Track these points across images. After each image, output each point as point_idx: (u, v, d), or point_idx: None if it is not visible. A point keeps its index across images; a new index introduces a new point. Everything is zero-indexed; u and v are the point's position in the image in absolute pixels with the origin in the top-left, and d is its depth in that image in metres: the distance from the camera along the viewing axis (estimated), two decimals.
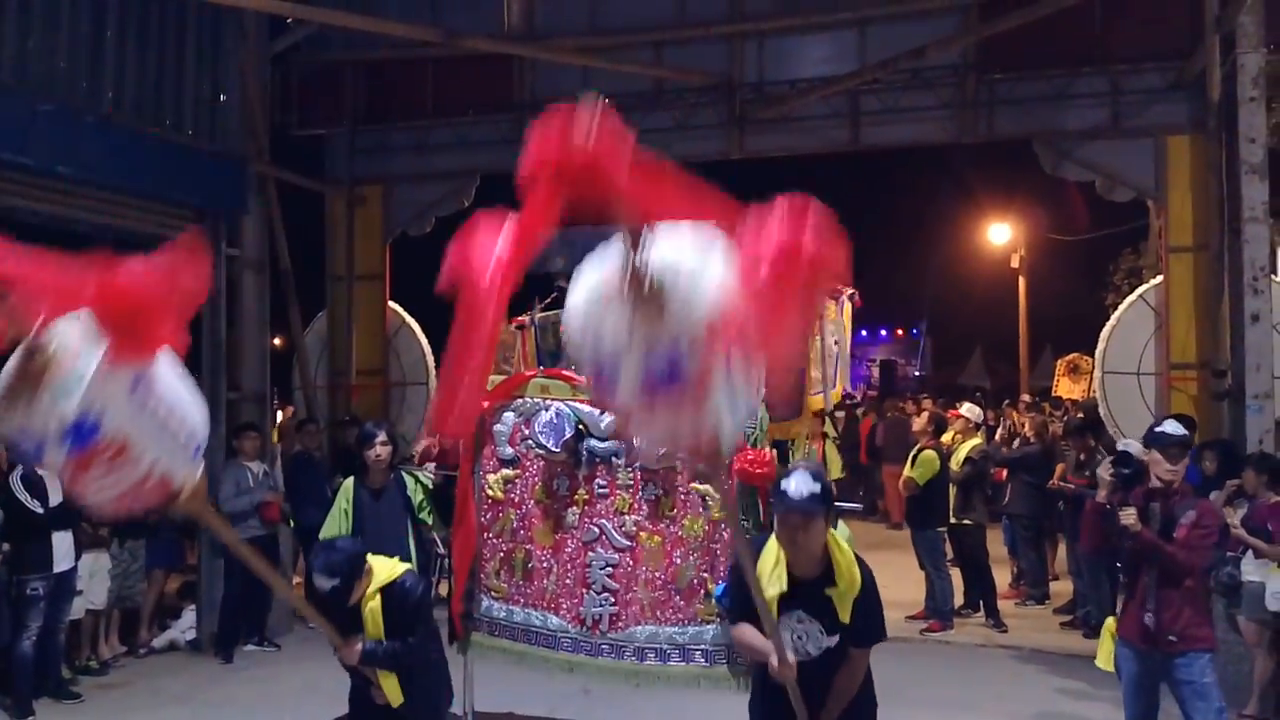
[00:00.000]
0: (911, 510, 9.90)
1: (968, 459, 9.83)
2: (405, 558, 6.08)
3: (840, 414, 16.80)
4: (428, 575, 6.48)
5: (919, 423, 10.41)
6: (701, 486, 5.30)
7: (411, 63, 11.34)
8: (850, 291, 10.82)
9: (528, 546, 5.70)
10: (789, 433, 9.32)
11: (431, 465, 6.54)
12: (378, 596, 4.43)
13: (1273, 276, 8.74)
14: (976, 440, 10.24)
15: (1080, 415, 12.46)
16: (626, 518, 5.45)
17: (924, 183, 26.91)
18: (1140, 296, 10.05)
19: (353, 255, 11.66)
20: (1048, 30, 9.28)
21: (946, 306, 31.64)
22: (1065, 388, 18.89)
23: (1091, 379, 17.31)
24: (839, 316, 10.69)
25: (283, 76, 11.41)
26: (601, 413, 5.41)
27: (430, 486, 6.38)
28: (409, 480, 6.38)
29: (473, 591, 5.86)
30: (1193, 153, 9.36)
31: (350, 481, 6.40)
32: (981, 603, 9.93)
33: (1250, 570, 7.01)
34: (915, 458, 9.65)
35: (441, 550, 7.57)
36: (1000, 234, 24.20)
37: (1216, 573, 7.31)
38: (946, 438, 10.15)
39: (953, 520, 9.80)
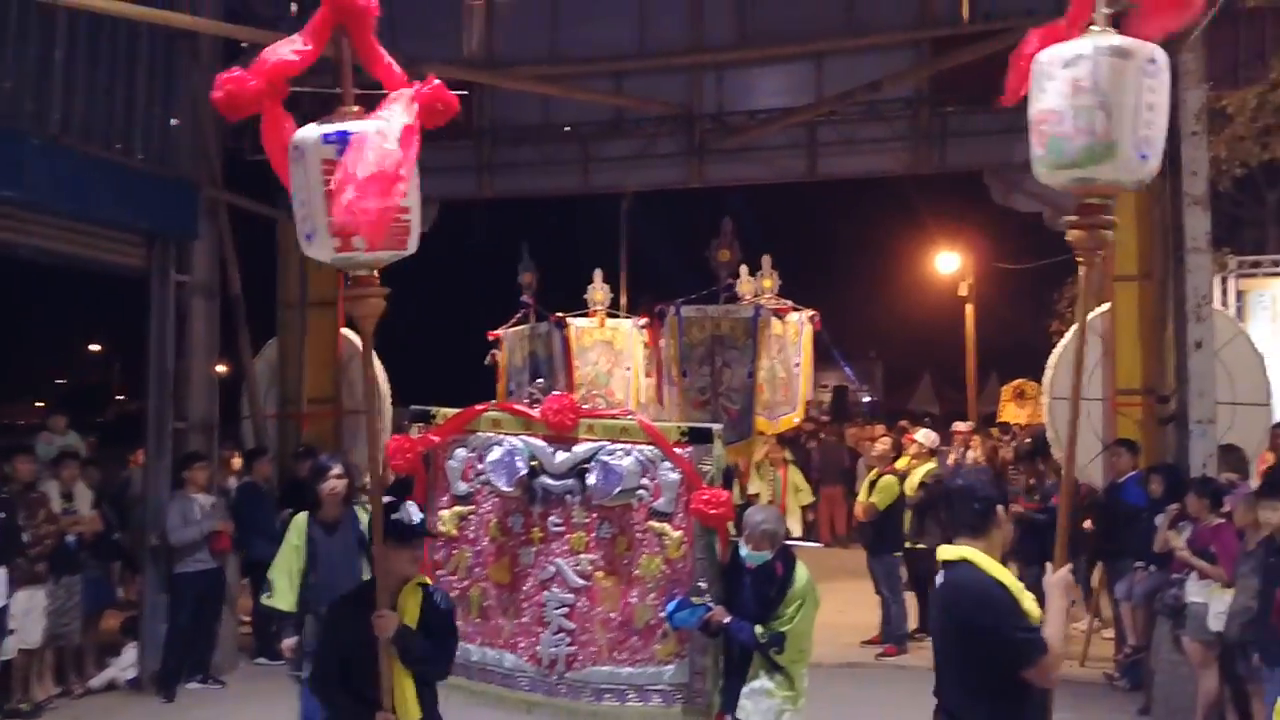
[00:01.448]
0: (869, 535, 9.96)
1: (922, 483, 9.92)
2: None
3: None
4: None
5: (879, 448, 10.49)
6: (658, 525, 5.20)
7: (368, 89, 11.26)
8: (810, 313, 10.97)
9: (483, 584, 5.53)
10: (738, 455, 9.42)
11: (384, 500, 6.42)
12: (420, 591, 4.38)
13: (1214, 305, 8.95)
14: (931, 465, 10.33)
15: (1029, 441, 12.65)
16: (582, 556, 5.32)
17: (876, 212, 27.29)
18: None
19: (305, 282, 11.51)
20: (998, 65, 9.37)
21: (897, 333, 32.03)
22: (1011, 413, 19.17)
23: (1037, 405, 17.62)
24: (799, 338, 10.82)
25: None
26: (554, 449, 5.33)
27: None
28: (362, 515, 6.14)
29: None
30: None
31: (302, 517, 6.17)
32: None
33: (1194, 592, 7.12)
34: (874, 483, 9.73)
35: None
36: (948, 263, 24.57)
37: (1161, 595, 7.45)
38: (901, 463, 10.24)
39: (908, 545, 9.88)
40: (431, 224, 11.30)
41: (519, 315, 9.94)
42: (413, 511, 4.40)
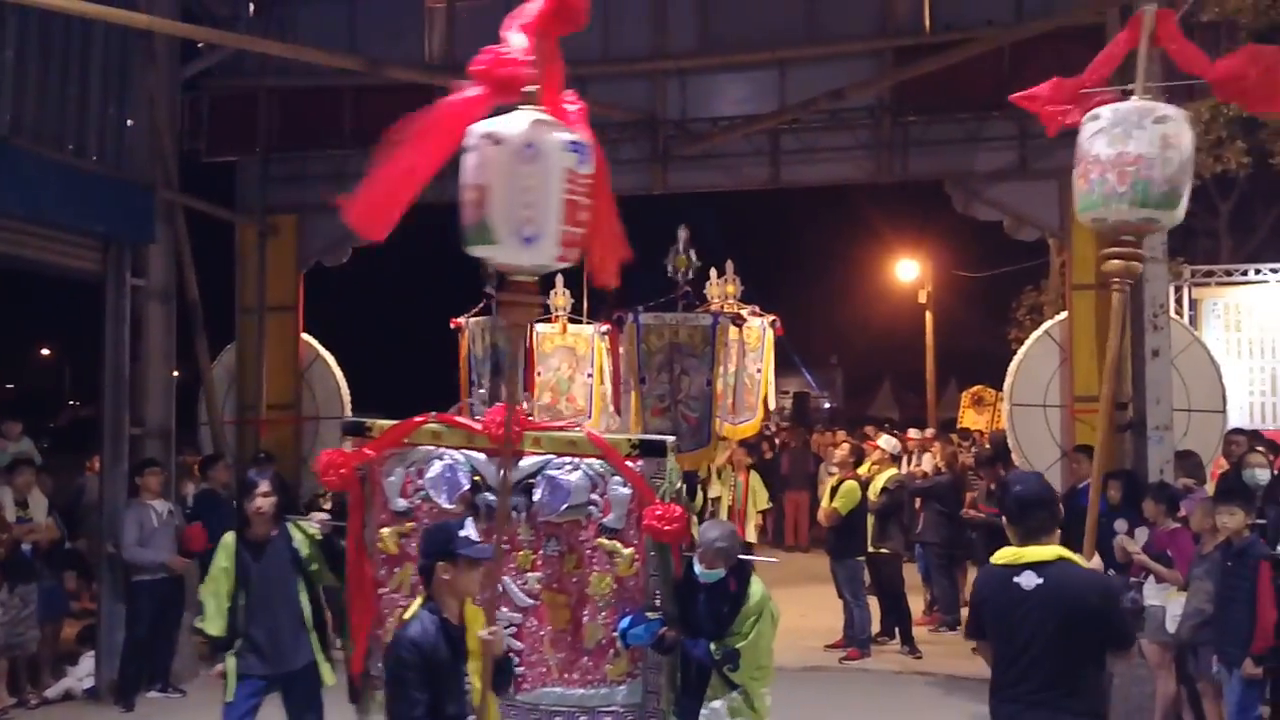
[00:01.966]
0: (832, 540, 10.00)
1: (884, 489, 9.99)
2: (297, 617, 5.77)
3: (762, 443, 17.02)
4: (325, 634, 5.94)
5: (839, 454, 10.54)
6: (608, 542, 5.01)
7: (328, 90, 11.18)
8: (771, 318, 11.00)
9: None
10: (698, 463, 9.42)
11: (322, 515, 6.04)
12: (480, 609, 4.34)
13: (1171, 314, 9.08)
14: (892, 470, 10.40)
15: (989, 446, 12.76)
16: (529, 575, 5.11)
17: (837, 220, 27.50)
18: (1045, 332, 10.37)
19: (264, 286, 11.38)
20: (959, 76, 9.55)
21: (857, 339, 32.25)
22: (970, 419, 19.38)
23: (995, 410, 17.82)
24: (760, 344, 10.85)
25: (193, 102, 11.15)
26: (499, 463, 4.92)
27: (319, 538, 5.88)
28: (295, 532, 5.86)
29: (373, 650, 5.37)
30: None
31: (231, 537, 5.82)
32: (897, 630, 10.07)
33: (1152, 595, 7.22)
34: (836, 489, 9.76)
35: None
36: (909, 270, 24.80)
37: (1120, 599, 7.53)
38: (863, 469, 10.29)
39: (871, 549, 9.93)
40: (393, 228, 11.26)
41: (482, 305, 9.78)
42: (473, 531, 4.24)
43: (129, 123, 9.46)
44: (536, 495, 4.99)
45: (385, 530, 5.29)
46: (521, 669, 5.09)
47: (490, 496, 5.05)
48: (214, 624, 5.73)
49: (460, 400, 9.13)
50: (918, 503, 11.32)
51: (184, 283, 10.09)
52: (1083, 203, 4.59)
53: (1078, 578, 4.06)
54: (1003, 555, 4.22)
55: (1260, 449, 8.46)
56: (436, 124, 3.95)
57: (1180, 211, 4.46)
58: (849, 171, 10.72)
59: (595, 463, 5.00)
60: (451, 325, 9.69)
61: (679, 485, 5.06)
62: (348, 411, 11.53)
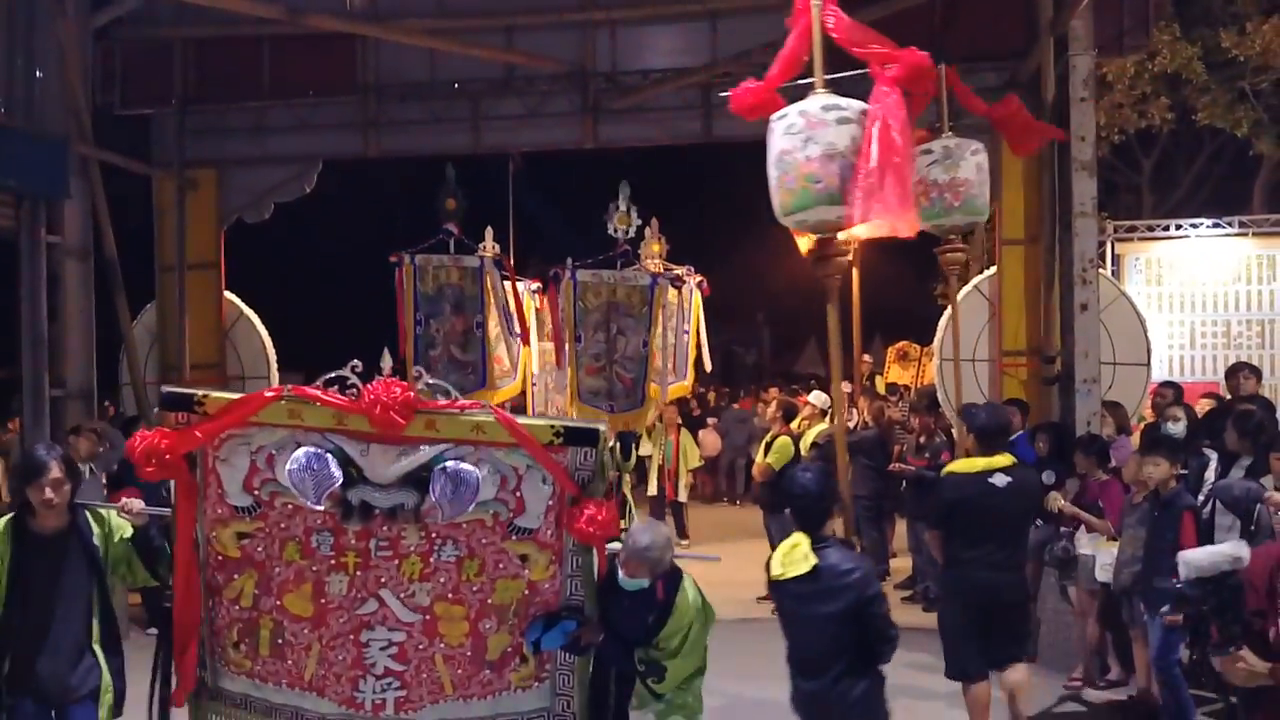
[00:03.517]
0: (766, 494, 10.08)
1: (814, 444, 10.08)
2: (84, 630, 4.58)
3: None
4: (118, 651, 4.73)
5: (769, 411, 10.59)
6: (519, 545, 4.20)
7: (246, 40, 10.82)
8: (698, 279, 10.96)
9: (276, 617, 4.32)
10: (631, 424, 9.40)
11: (138, 504, 4.50)
12: None
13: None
14: (823, 425, 10.50)
15: (919, 399, 12.93)
16: (417, 586, 4.22)
17: (758, 176, 27.45)
18: (975, 287, 10.49)
19: (184, 243, 11.04)
20: (889, 29, 9.39)
21: (783, 296, 32.41)
22: (896, 374, 19.63)
23: (920, 365, 18.06)
24: (688, 305, 10.80)
25: (105, 52, 10.72)
26: (381, 451, 4.10)
27: (128, 535, 4.56)
28: (94, 524, 4.60)
29: (204, 659, 4.48)
30: None
31: (5, 522, 4.50)
32: None
33: (1083, 544, 7.42)
34: (770, 444, 9.82)
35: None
36: None
37: (1051, 547, 7.72)
38: (795, 424, 10.37)
39: None
40: (313, 183, 11.02)
41: (433, 241, 9.41)
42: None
43: (38, 74, 9.10)
44: (432, 493, 4.08)
45: (222, 529, 4.30)
46: (404, 691, 4.29)
47: (369, 492, 4.14)
48: None
49: (403, 349, 8.87)
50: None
51: (101, 240, 9.78)
52: (925, 215, 6.57)
53: (1029, 478, 6.32)
54: (974, 464, 6.01)
55: (1177, 404, 8.66)
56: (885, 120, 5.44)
57: (986, 213, 7.33)
58: None
59: (506, 453, 4.11)
60: (391, 259, 9.31)
61: (611, 476, 4.58)
62: (274, 371, 11.30)
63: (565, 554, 4.20)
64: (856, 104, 5.79)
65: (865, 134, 5.60)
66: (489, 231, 10.39)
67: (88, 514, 4.61)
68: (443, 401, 4.12)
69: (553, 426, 4.12)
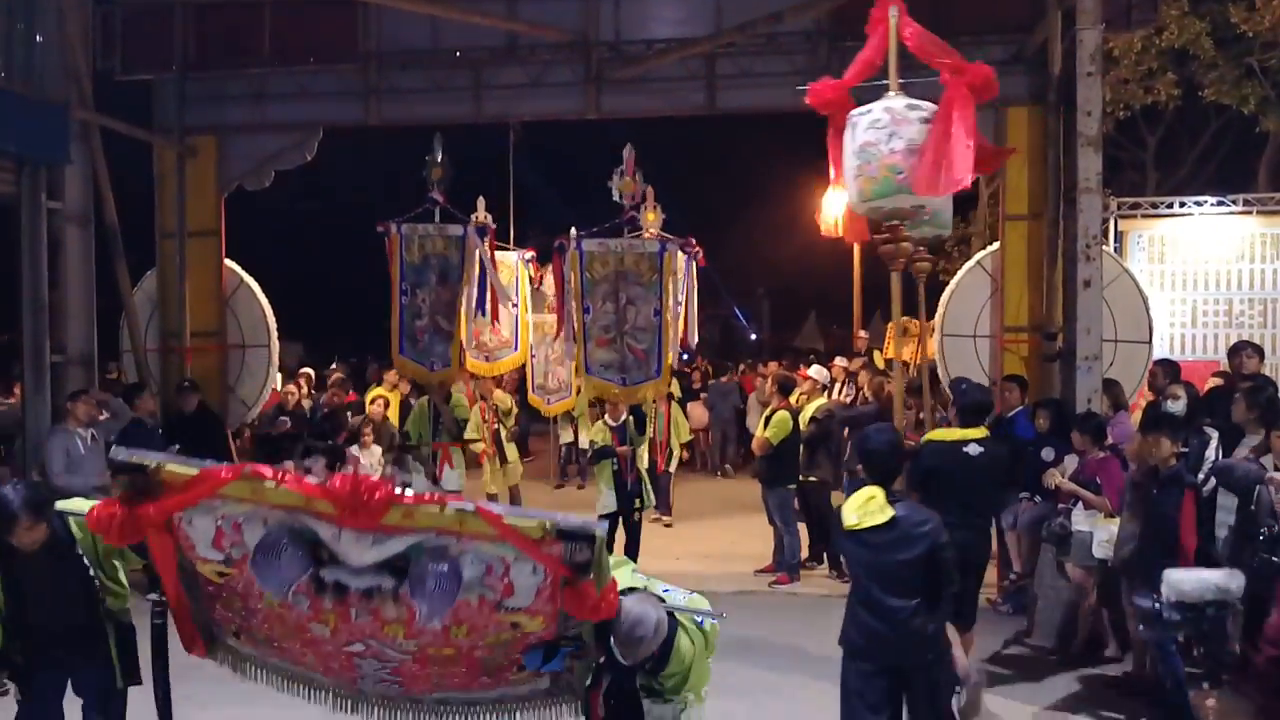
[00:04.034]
0: (764, 468, 10.09)
1: (813, 418, 10.08)
2: (90, 607, 4.77)
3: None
4: (127, 618, 4.92)
5: (766, 386, 10.59)
6: (512, 615, 3.85)
7: (247, 6, 10.77)
8: (695, 250, 10.91)
9: (268, 632, 4.20)
10: (645, 396, 9.37)
11: None
12: None
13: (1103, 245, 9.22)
14: (821, 400, 10.50)
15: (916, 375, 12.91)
16: (401, 640, 3.97)
17: (765, 149, 27.34)
18: (978, 263, 10.47)
19: (184, 210, 11.00)
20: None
21: (785, 270, 32.35)
22: (894, 349, 19.57)
23: (920, 341, 18.05)
24: (686, 275, 10.76)
25: (106, 17, 10.66)
26: (352, 536, 3.69)
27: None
28: (76, 529, 4.64)
29: (207, 623, 4.35)
30: (1031, 124, 9.78)
31: None
32: (825, 555, 10.25)
33: (1080, 521, 7.43)
34: (769, 419, 9.83)
35: None
36: (837, 201, 24.76)
37: (1049, 524, 7.74)
38: (794, 398, 10.37)
39: (801, 477, 10.04)
40: (314, 150, 10.97)
41: (420, 210, 9.34)
42: None
43: (38, 38, 9.06)
44: (409, 583, 3.68)
45: (202, 566, 4.00)
46: (403, 688, 4.31)
47: (341, 575, 3.75)
48: None
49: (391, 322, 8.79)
50: (846, 431, 11.45)
51: (102, 206, 9.76)
52: (877, 192, 6.50)
53: (999, 450, 6.84)
54: (951, 434, 6.70)
55: (1175, 382, 8.64)
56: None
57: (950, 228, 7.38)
58: (785, 98, 10.55)
59: (493, 546, 3.69)
60: (378, 228, 9.22)
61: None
62: (273, 338, 11.32)
63: (560, 615, 3.87)
64: (934, 106, 6.28)
65: (939, 121, 6.19)
66: (480, 201, 10.34)
67: (70, 521, 4.63)
68: (426, 496, 3.72)
69: (543, 525, 3.66)
